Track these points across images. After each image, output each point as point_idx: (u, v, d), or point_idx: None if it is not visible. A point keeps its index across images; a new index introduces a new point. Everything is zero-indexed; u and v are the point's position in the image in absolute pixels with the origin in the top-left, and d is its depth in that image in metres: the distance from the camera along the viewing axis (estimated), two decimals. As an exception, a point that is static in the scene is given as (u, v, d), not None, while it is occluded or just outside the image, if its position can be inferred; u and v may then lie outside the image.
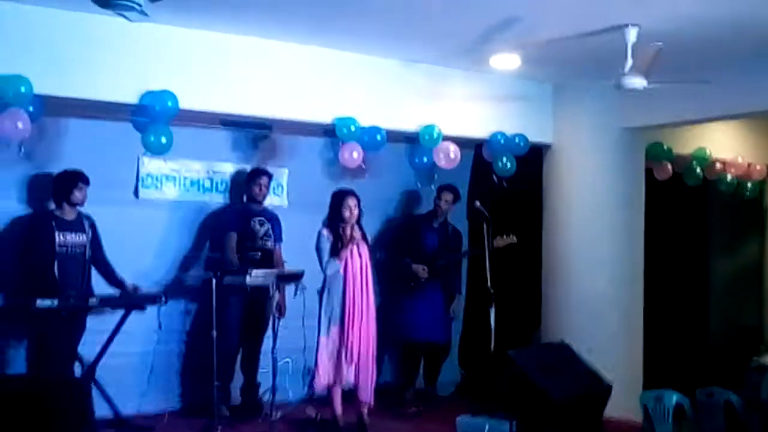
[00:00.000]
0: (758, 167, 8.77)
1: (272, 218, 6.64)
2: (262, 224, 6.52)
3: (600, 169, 7.07)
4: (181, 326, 6.59)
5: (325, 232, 5.94)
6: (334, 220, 5.96)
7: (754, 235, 9.31)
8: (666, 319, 7.98)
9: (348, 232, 5.91)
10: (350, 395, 6.01)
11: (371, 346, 6.00)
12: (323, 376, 5.88)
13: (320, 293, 5.96)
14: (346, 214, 5.91)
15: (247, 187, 6.58)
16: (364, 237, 6.06)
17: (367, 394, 5.98)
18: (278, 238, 6.62)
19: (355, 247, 5.94)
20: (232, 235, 6.38)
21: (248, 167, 6.71)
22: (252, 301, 6.31)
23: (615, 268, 6.96)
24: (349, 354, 5.87)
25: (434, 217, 7.12)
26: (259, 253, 6.41)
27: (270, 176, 6.60)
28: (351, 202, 5.94)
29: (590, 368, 5.88)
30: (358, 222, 6.01)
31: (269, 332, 5.89)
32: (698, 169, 8.17)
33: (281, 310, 6.35)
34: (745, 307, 9.17)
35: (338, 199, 5.99)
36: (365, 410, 6.04)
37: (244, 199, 6.62)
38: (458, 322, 7.77)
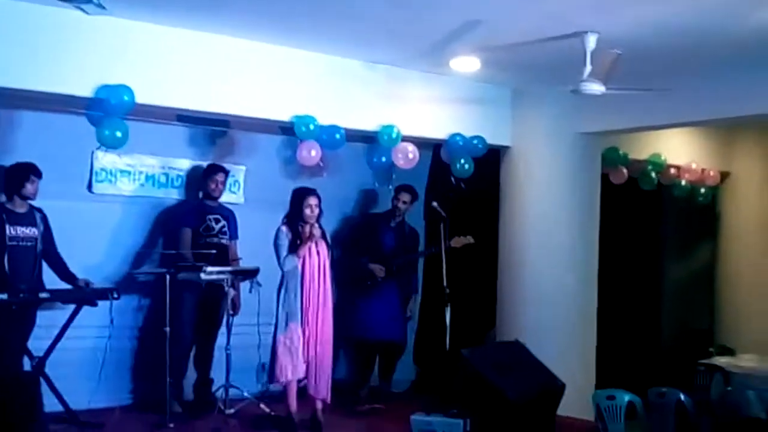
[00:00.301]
0: (711, 173, 8.93)
1: (228, 215, 6.62)
2: (217, 221, 6.49)
3: (557, 173, 7.13)
4: (134, 322, 6.54)
5: (284, 228, 5.94)
6: (294, 217, 5.96)
7: (707, 240, 9.45)
8: (620, 320, 8.09)
9: (308, 230, 5.91)
10: (305, 392, 6.01)
11: (328, 344, 6.01)
12: (280, 373, 5.87)
13: (278, 290, 5.95)
14: (308, 212, 5.92)
15: (203, 183, 6.54)
16: (323, 236, 6.07)
17: (322, 391, 5.98)
18: (233, 235, 6.60)
19: (313, 245, 5.95)
20: (186, 231, 6.35)
21: (205, 163, 6.67)
22: (206, 297, 6.29)
23: (570, 270, 7.03)
24: (305, 351, 5.87)
25: (392, 216, 7.12)
26: (214, 250, 6.35)
27: (226, 172, 6.57)
28: (312, 200, 5.95)
29: (544, 367, 5.93)
30: (318, 220, 6.02)
31: (223, 328, 5.86)
32: (653, 174, 8.30)
33: (235, 306, 6.33)
34: (697, 311, 9.32)
35: (300, 196, 5.98)
36: (320, 407, 6.04)
37: (200, 195, 6.58)
38: (414, 320, 7.79)
